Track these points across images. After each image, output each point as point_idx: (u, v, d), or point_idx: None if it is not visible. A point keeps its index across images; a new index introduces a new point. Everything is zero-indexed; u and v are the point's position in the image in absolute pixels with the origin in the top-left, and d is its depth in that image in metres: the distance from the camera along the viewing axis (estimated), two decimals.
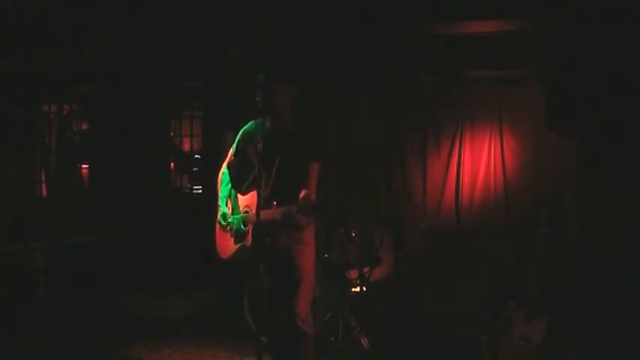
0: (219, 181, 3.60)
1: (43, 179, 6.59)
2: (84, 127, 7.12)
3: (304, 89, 3.44)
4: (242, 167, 3.52)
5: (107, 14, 5.42)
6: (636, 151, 4.38)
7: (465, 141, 5.95)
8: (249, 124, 3.48)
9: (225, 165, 3.63)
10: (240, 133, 3.53)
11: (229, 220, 3.45)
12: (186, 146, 7.68)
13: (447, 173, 6.01)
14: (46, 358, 4.29)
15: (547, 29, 4.69)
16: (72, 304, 4.94)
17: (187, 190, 7.80)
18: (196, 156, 7.55)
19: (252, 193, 3.39)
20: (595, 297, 4.30)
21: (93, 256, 5.49)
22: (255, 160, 3.22)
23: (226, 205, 3.52)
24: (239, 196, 3.54)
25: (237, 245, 3.41)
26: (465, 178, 5.94)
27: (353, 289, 4.87)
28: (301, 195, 3.16)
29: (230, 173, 3.59)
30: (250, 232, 3.34)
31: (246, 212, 3.43)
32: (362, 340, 4.45)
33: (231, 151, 3.60)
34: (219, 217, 3.50)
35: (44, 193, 6.62)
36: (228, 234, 3.48)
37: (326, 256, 4.65)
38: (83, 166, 7.07)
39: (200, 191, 7.35)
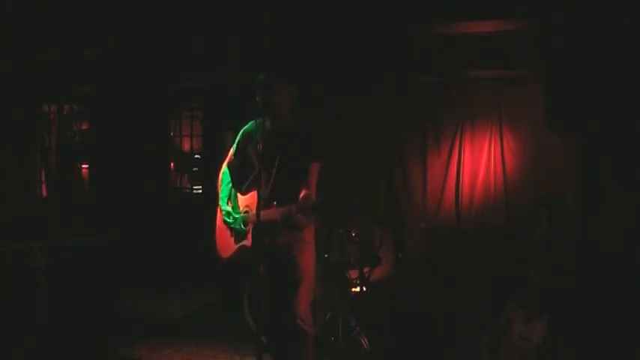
0: (219, 181, 3.60)
1: (43, 179, 6.58)
2: (84, 127, 7.12)
3: (304, 89, 3.44)
4: (242, 167, 3.52)
5: (107, 14, 5.42)
6: (636, 151, 4.38)
7: (465, 141, 5.95)
8: (249, 124, 3.48)
9: (225, 165, 3.63)
10: (240, 133, 3.53)
11: (236, 216, 3.45)
12: (186, 146, 7.68)
13: (447, 173, 6.01)
14: (46, 358, 4.29)
15: (547, 29, 4.69)
16: (72, 304, 4.94)
17: (187, 190, 7.80)
18: (196, 156, 7.55)
19: (252, 193, 3.39)
20: (595, 297, 4.30)
21: (93, 256, 5.49)
22: (255, 160, 3.22)
23: (227, 205, 3.52)
24: (239, 196, 3.54)
25: (237, 245, 3.42)
26: (465, 178, 5.94)
27: (353, 289, 4.87)
28: (301, 195, 3.16)
29: (230, 173, 3.60)
30: (250, 232, 3.34)
31: (246, 212, 3.43)
32: (362, 340, 4.45)
33: (232, 151, 3.60)
34: (224, 215, 3.49)
35: (44, 193, 6.62)
36: (229, 234, 3.48)
37: (326, 256, 4.65)
38: (83, 166, 7.07)
39: (200, 191, 7.35)
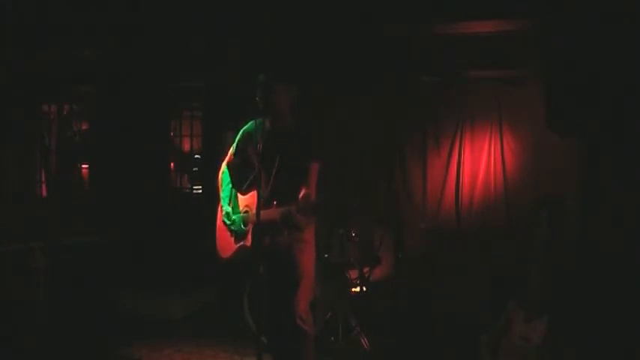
0: (219, 181, 3.61)
1: (43, 179, 6.58)
2: (84, 127, 7.11)
3: (304, 89, 3.44)
4: (242, 167, 3.52)
5: (107, 14, 5.42)
6: (636, 151, 4.38)
7: (465, 141, 5.95)
8: (249, 124, 3.48)
9: (225, 165, 3.63)
10: (240, 133, 3.53)
11: (234, 218, 3.45)
12: (186, 146, 7.68)
13: (447, 173, 6.00)
14: (46, 358, 4.29)
15: (547, 29, 4.69)
16: (72, 304, 4.94)
17: (187, 190, 7.80)
18: (196, 156, 7.54)
19: (252, 193, 3.40)
20: (595, 297, 4.30)
21: (93, 256, 5.50)
22: (255, 160, 3.22)
23: (228, 205, 3.53)
24: (239, 195, 3.54)
25: (237, 245, 3.42)
26: (465, 178, 5.94)
27: (353, 289, 4.87)
28: (301, 195, 3.16)
29: (230, 173, 3.60)
30: (250, 232, 3.34)
31: (246, 212, 3.43)
32: (362, 340, 4.45)
33: (231, 150, 3.60)
34: (223, 217, 3.50)
35: (44, 193, 6.61)
36: (229, 234, 3.48)
37: (326, 256, 4.65)
38: (83, 166, 7.07)
39: (200, 191, 7.35)
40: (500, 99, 5.85)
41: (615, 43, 4.22)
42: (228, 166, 3.61)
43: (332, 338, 4.43)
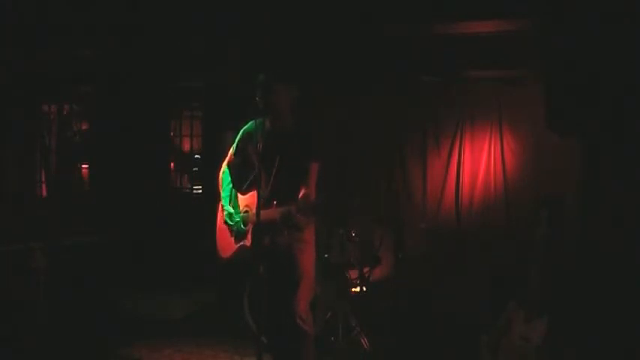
0: (220, 181, 3.61)
1: (43, 179, 6.58)
2: (84, 127, 7.12)
3: (304, 89, 3.44)
4: (242, 167, 3.52)
5: (107, 14, 5.42)
6: (636, 151, 4.37)
7: (465, 141, 5.95)
8: (249, 124, 3.48)
9: (225, 165, 3.63)
10: (240, 133, 3.53)
11: (237, 219, 3.45)
12: (186, 146, 7.68)
13: (447, 173, 6.01)
14: (46, 358, 4.29)
15: (547, 29, 4.69)
16: (72, 304, 4.94)
17: (187, 190, 7.80)
18: (196, 156, 7.55)
19: (252, 192, 3.40)
20: (595, 297, 4.30)
21: (93, 256, 5.50)
22: (255, 160, 3.22)
23: (229, 205, 3.53)
24: (239, 195, 3.54)
25: (238, 245, 3.42)
26: (465, 178, 5.94)
27: (353, 289, 4.87)
28: (300, 195, 3.17)
29: (230, 173, 3.60)
30: (250, 232, 3.34)
31: (246, 212, 3.43)
32: (362, 340, 4.45)
33: (232, 150, 3.60)
34: (225, 217, 3.50)
35: (44, 193, 6.61)
36: (229, 234, 3.48)
37: (326, 256, 4.65)
38: (83, 166, 7.07)
39: (200, 191, 7.35)
40: (500, 99, 5.85)
41: (615, 43, 4.22)
42: (229, 166, 3.61)
43: (332, 338, 4.43)
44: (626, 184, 4.52)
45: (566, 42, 4.48)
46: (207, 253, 3.80)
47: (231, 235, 3.47)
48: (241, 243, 3.39)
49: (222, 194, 3.56)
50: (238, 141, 3.54)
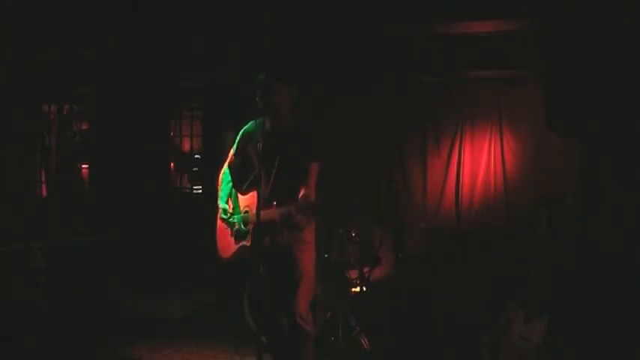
0: (219, 180, 3.61)
1: (43, 179, 6.58)
2: (84, 127, 7.11)
3: (304, 89, 3.44)
4: (242, 167, 3.52)
5: (107, 14, 5.42)
6: (636, 151, 4.37)
7: (465, 141, 5.95)
8: (249, 124, 3.48)
9: (225, 165, 3.63)
10: (241, 133, 3.53)
11: (231, 220, 3.45)
12: (186, 146, 7.68)
13: (447, 173, 6.01)
14: (46, 358, 4.29)
15: (547, 29, 4.68)
16: (72, 304, 4.94)
17: (187, 190, 7.80)
18: (196, 156, 7.55)
19: (252, 193, 3.40)
20: (595, 297, 4.30)
21: (93, 256, 5.50)
22: (256, 160, 3.22)
23: (226, 203, 3.53)
24: (239, 196, 3.54)
25: (238, 245, 3.42)
26: (465, 178, 5.94)
27: (353, 289, 4.87)
28: (300, 195, 3.17)
29: (231, 173, 3.60)
30: (250, 232, 3.34)
31: (246, 212, 3.43)
32: (362, 340, 4.45)
33: (232, 151, 3.60)
34: (220, 213, 3.50)
35: (44, 193, 6.61)
36: (229, 233, 3.48)
37: (326, 256, 4.65)
38: (83, 166, 7.07)
39: (200, 191, 7.35)
40: (500, 99, 5.85)
41: (615, 43, 4.21)
42: (229, 166, 3.61)
43: (332, 338, 4.43)
44: (626, 184, 4.52)
45: (566, 42, 4.48)
46: (207, 253, 3.79)
47: (231, 235, 3.47)
48: (241, 243, 3.39)
49: (220, 193, 3.56)
50: (238, 141, 3.54)
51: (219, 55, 5.84)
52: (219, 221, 3.56)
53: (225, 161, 3.65)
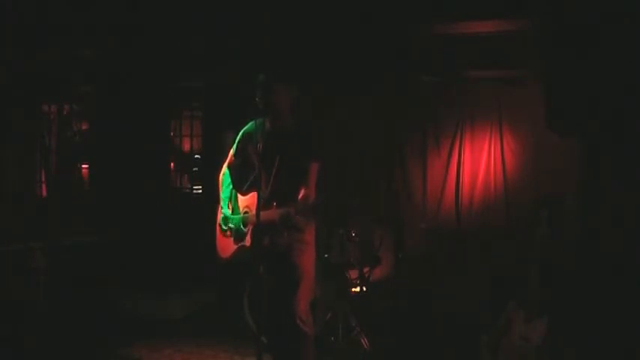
0: (220, 181, 3.60)
1: (43, 179, 6.58)
2: (84, 127, 7.12)
3: (304, 89, 3.44)
4: (242, 168, 3.52)
5: (107, 14, 5.42)
6: (636, 151, 4.38)
7: (465, 141, 5.95)
8: (249, 124, 3.48)
9: (225, 166, 3.63)
10: (241, 133, 3.53)
11: (230, 225, 3.45)
12: (186, 146, 7.68)
13: (447, 173, 6.01)
14: (46, 358, 4.29)
15: (547, 29, 4.69)
16: (72, 304, 4.95)
17: (187, 190, 7.80)
18: (196, 156, 7.55)
19: (252, 193, 3.39)
20: (595, 297, 4.30)
21: (93, 256, 5.50)
22: (256, 160, 3.22)
23: (228, 207, 3.52)
24: (239, 196, 3.54)
25: (237, 245, 3.42)
26: (465, 178, 5.94)
27: (353, 289, 4.87)
28: (300, 196, 3.17)
29: (230, 174, 3.60)
30: (250, 233, 3.34)
31: (246, 213, 3.43)
32: (362, 340, 4.45)
33: (232, 151, 3.60)
34: (220, 220, 3.50)
35: (44, 193, 6.61)
36: (229, 234, 3.48)
37: (326, 256, 4.65)
38: (83, 166, 7.07)
39: (200, 191, 7.35)
40: (500, 99, 5.85)
41: (615, 43, 4.22)
42: (229, 167, 3.61)
43: (332, 338, 4.43)
44: (626, 184, 4.52)
45: (566, 42, 4.49)
46: (207, 253, 3.79)
47: (231, 236, 3.47)
48: (240, 243, 3.39)
49: (222, 195, 3.56)
50: (238, 142, 3.54)
51: (219, 55, 5.84)
52: (219, 221, 3.56)
53: (224, 162, 3.64)
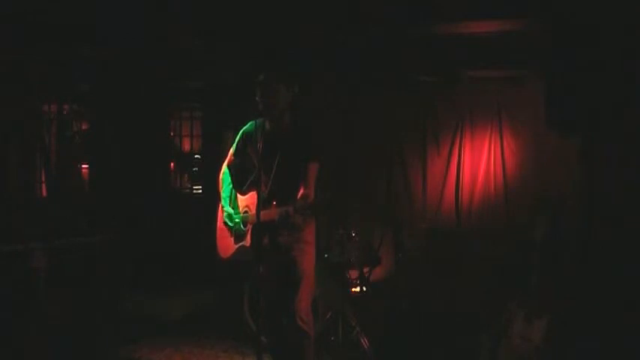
0: (220, 181, 3.61)
1: (43, 179, 6.58)
2: (84, 127, 7.11)
3: (304, 89, 3.44)
4: (242, 167, 3.52)
5: (107, 14, 5.41)
6: (636, 151, 4.38)
7: (465, 141, 5.96)
8: (249, 124, 3.49)
9: (225, 165, 3.63)
10: (240, 133, 3.54)
11: (236, 220, 3.45)
12: (186, 146, 7.68)
13: (447, 173, 6.01)
14: (46, 358, 4.28)
15: (547, 29, 4.69)
16: (72, 304, 4.94)
17: (187, 190, 7.80)
18: (196, 156, 7.55)
19: (251, 193, 3.40)
20: (595, 297, 4.30)
21: (93, 256, 5.49)
22: (255, 160, 3.22)
23: (229, 206, 3.53)
24: (239, 196, 3.54)
25: (237, 245, 3.42)
26: (465, 178, 5.95)
27: (353, 289, 4.87)
28: (299, 195, 3.17)
29: (230, 174, 3.60)
30: (250, 232, 3.34)
31: (245, 212, 3.43)
32: (362, 340, 4.44)
33: (231, 151, 3.60)
34: (224, 218, 3.50)
35: (44, 193, 6.61)
36: (229, 234, 3.48)
37: (326, 256, 4.65)
38: (83, 166, 7.07)
39: (200, 191, 7.35)
40: (500, 99, 5.85)
41: (615, 43, 4.22)
42: (229, 166, 3.61)
43: (332, 338, 4.43)
44: (626, 184, 4.52)
45: (566, 42, 4.48)
46: (207, 253, 3.79)
47: (231, 235, 3.47)
48: (240, 243, 3.39)
49: (222, 195, 3.56)
50: (238, 141, 3.54)
51: (219, 55, 5.84)
52: (219, 221, 3.56)
53: (224, 161, 3.64)
